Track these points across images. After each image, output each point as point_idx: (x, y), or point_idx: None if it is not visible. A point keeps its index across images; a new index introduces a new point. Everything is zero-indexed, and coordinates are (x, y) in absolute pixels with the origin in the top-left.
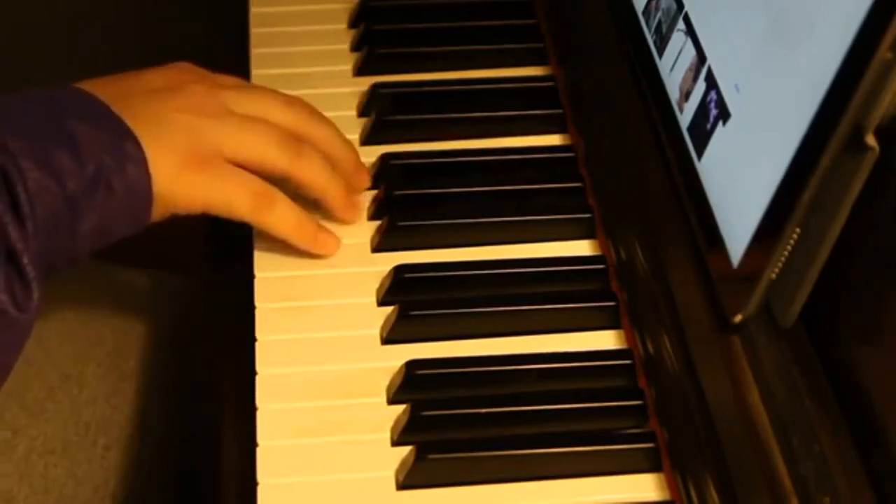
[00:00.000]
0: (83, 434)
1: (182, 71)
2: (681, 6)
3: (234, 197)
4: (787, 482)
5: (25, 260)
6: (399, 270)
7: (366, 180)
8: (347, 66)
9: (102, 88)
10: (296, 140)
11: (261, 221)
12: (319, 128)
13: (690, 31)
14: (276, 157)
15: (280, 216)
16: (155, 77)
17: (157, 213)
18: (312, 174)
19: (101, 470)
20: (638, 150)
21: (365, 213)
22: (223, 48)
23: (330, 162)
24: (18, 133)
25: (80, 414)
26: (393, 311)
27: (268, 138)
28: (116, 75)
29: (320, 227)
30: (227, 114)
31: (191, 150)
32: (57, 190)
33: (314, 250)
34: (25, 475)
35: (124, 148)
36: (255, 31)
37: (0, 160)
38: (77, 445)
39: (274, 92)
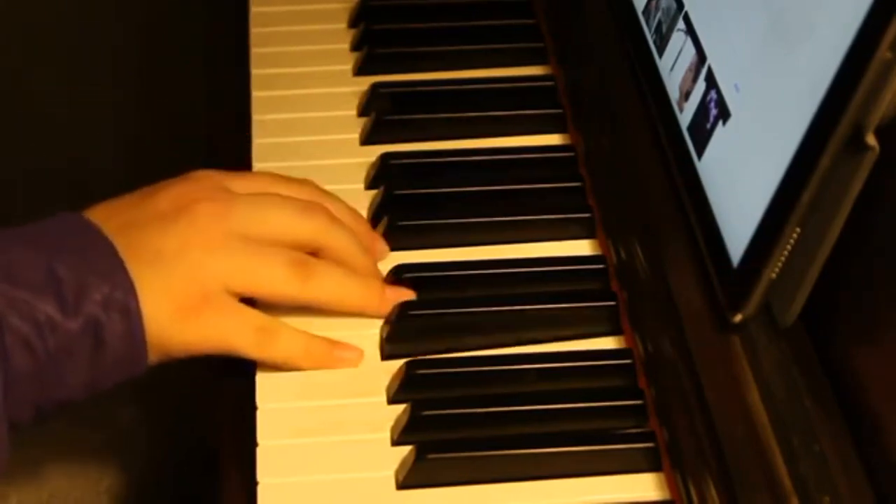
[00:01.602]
0: (77, 429)
1: (194, 184)
2: (681, 6)
3: (233, 337)
4: (786, 482)
5: None
6: (399, 270)
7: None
8: (347, 66)
9: (111, 220)
10: (304, 260)
11: (267, 357)
12: (338, 237)
13: (690, 31)
14: (282, 284)
15: (284, 348)
16: (164, 197)
17: (153, 360)
18: (326, 294)
19: (95, 467)
20: (638, 150)
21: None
22: (223, 48)
23: (348, 268)
24: (5, 279)
25: (75, 409)
26: (393, 311)
27: (274, 265)
28: (131, 197)
29: (335, 344)
30: (235, 241)
31: (189, 290)
32: (38, 344)
33: (332, 368)
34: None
35: (116, 297)
36: (255, 30)
37: None
38: (70, 441)
39: (291, 200)
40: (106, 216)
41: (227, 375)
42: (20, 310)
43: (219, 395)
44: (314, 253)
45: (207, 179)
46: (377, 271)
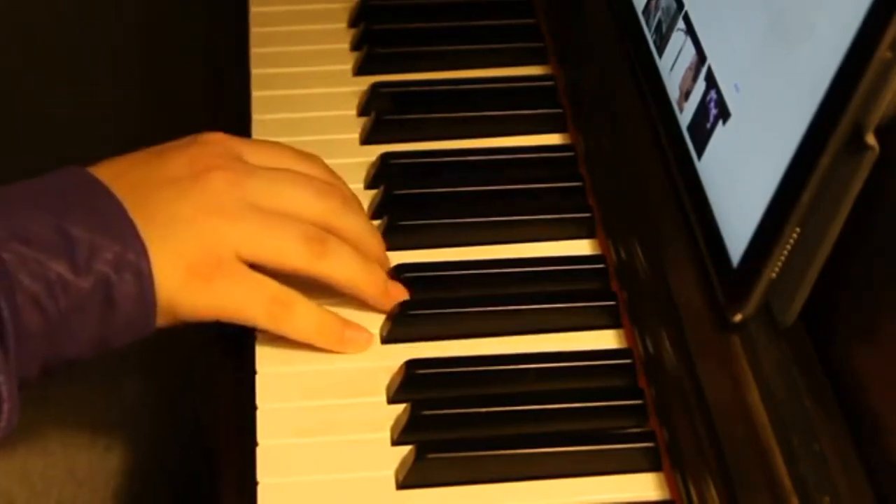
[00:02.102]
0: (82, 434)
1: (209, 150)
2: (681, 6)
3: (246, 305)
4: (786, 482)
5: (1, 378)
6: (399, 270)
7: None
8: (347, 66)
9: (120, 178)
10: (320, 236)
11: (279, 328)
12: (351, 220)
13: (690, 31)
14: (297, 257)
15: (299, 321)
16: (178, 159)
17: (162, 321)
18: (339, 272)
19: (101, 471)
20: (638, 150)
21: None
22: (223, 48)
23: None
24: (17, 238)
25: (79, 414)
26: (393, 311)
27: (290, 237)
28: (139, 156)
29: (347, 324)
30: (249, 210)
31: (202, 256)
32: (49, 303)
33: (341, 351)
34: (25, 475)
35: (127, 258)
36: (255, 30)
37: None
38: (76, 446)
39: (307, 179)
40: (115, 174)
41: (228, 372)
42: (31, 269)
43: (219, 395)
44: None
45: (220, 144)
46: (385, 260)
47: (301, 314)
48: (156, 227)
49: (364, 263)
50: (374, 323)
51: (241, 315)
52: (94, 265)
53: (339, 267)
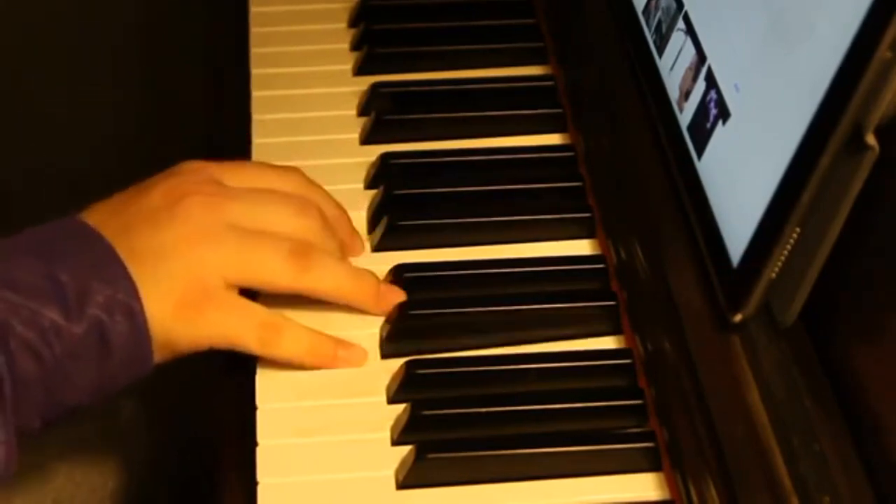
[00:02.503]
0: (80, 434)
1: (185, 178)
2: (681, 6)
3: (237, 333)
4: (786, 482)
5: None
6: (399, 270)
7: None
8: (347, 66)
9: (108, 220)
10: (303, 250)
11: (271, 354)
12: (330, 239)
13: (690, 31)
14: (282, 274)
15: (289, 345)
16: (155, 192)
17: (160, 357)
18: (326, 283)
19: (99, 472)
20: (638, 150)
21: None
22: (223, 48)
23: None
24: (8, 287)
25: (78, 415)
26: (393, 311)
27: (273, 255)
28: (124, 196)
29: (339, 343)
30: (229, 232)
31: (190, 287)
32: (44, 350)
33: (336, 368)
34: (22, 476)
35: (119, 299)
36: (255, 30)
37: None
38: (74, 446)
39: (286, 197)
40: (103, 218)
41: (228, 372)
42: (24, 317)
43: (219, 395)
44: None
45: (197, 172)
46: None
47: (291, 338)
48: (142, 265)
49: (351, 270)
50: (375, 323)
51: (233, 342)
52: (86, 309)
53: (326, 278)
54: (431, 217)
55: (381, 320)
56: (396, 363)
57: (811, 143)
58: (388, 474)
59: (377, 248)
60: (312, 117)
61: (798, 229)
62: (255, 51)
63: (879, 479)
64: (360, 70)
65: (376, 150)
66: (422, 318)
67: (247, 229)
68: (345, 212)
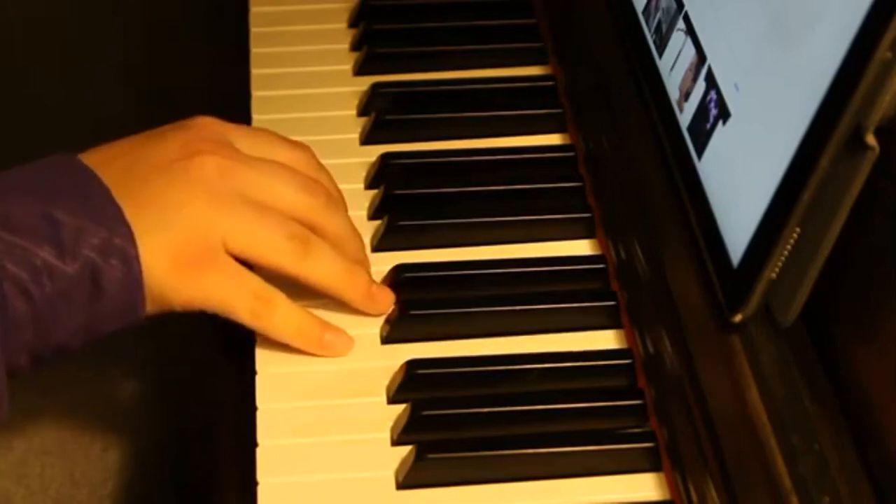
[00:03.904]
0: (80, 435)
1: (200, 133)
2: (681, 6)
3: (231, 300)
4: (786, 481)
5: None
6: (399, 270)
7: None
8: (347, 66)
9: (109, 164)
10: (304, 236)
11: (261, 326)
12: (334, 219)
13: (690, 31)
14: (280, 255)
15: (279, 321)
16: (169, 144)
17: (152, 308)
18: (321, 274)
19: (98, 471)
20: (638, 150)
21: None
22: (223, 48)
23: (340, 251)
24: (3, 226)
25: (76, 415)
26: (393, 311)
27: (276, 234)
28: (129, 142)
29: (327, 327)
30: (238, 201)
31: (191, 244)
32: (36, 290)
33: (321, 354)
34: (22, 476)
35: (114, 244)
36: (255, 30)
37: None
38: (74, 446)
39: (294, 173)
40: (103, 159)
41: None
42: (17, 256)
43: (219, 395)
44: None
45: (211, 129)
46: (366, 261)
47: (282, 314)
48: (144, 213)
49: (346, 266)
50: (375, 323)
51: (225, 308)
52: (81, 250)
53: (321, 269)
54: (431, 217)
55: (381, 321)
56: (396, 363)
57: (811, 143)
58: (388, 474)
59: (377, 249)
60: (312, 117)
61: (798, 229)
62: (255, 51)
63: (879, 479)
64: (360, 70)
65: (376, 151)
66: (422, 318)
67: (255, 201)
68: (360, 238)
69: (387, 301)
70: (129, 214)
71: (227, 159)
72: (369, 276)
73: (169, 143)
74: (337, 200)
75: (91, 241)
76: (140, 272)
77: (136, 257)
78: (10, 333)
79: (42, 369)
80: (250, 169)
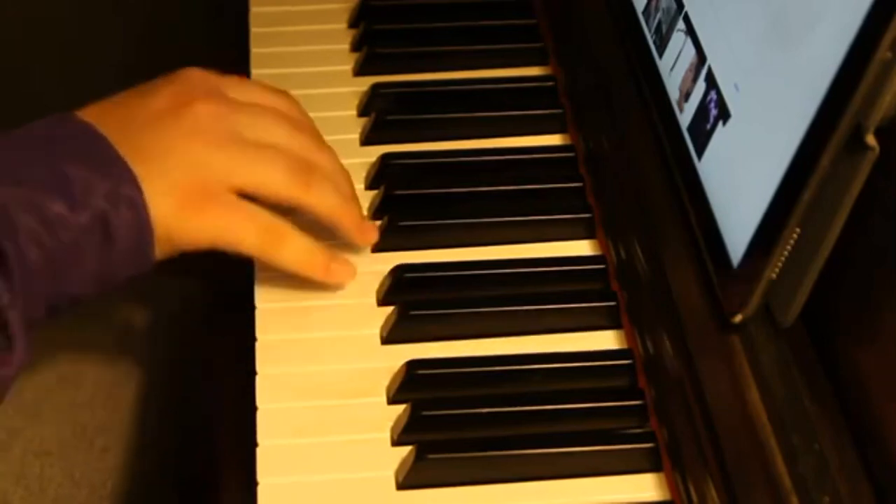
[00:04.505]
0: (80, 435)
1: (190, 83)
2: (681, 6)
3: (240, 233)
4: (786, 481)
5: (10, 315)
6: (399, 270)
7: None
8: (347, 66)
9: (106, 118)
10: (305, 168)
11: (270, 257)
12: (325, 156)
13: (690, 31)
14: (286, 186)
15: (290, 251)
16: (161, 95)
17: (161, 252)
18: (324, 203)
19: (98, 471)
20: (638, 150)
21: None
22: (223, 48)
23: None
24: (13, 181)
25: (76, 415)
26: (393, 311)
27: (277, 167)
28: (122, 97)
29: (333, 256)
30: (235, 141)
31: (195, 185)
32: (49, 241)
33: (327, 281)
34: (21, 476)
35: (122, 191)
36: (255, 30)
37: None
38: (74, 447)
39: (283, 114)
40: (100, 114)
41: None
42: (30, 209)
43: (219, 396)
44: None
45: (202, 80)
46: (355, 195)
47: (292, 244)
48: (146, 161)
49: (343, 197)
50: (375, 324)
51: (234, 243)
52: (90, 200)
53: (323, 198)
54: (431, 217)
55: (381, 320)
56: (396, 363)
57: (811, 143)
58: (388, 475)
59: (377, 249)
60: (313, 118)
61: (798, 229)
62: (256, 51)
63: (879, 479)
64: (360, 70)
65: (376, 151)
66: (422, 319)
67: (250, 140)
68: (347, 173)
69: (373, 233)
70: (131, 163)
71: (218, 105)
72: (358, 212)
73: (161, 94)
74: (322, 138)
75: (99, 191)
76: (148, 217)
77: (143, 203)
78: (28, 283)
79: (43, 369)
80: (242, 113)
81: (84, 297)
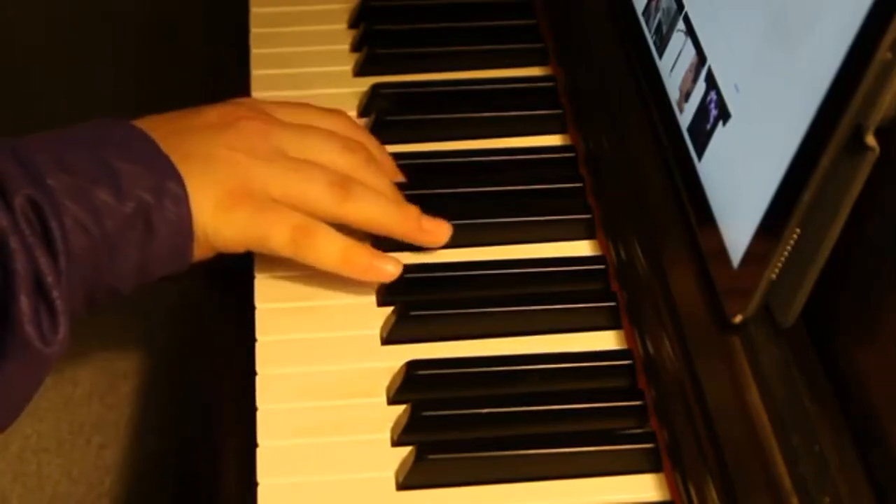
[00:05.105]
0: (78, 433)
1: (239, 107)
2: (681, 6)
3: (271, 232)
4: (786, 482)
5: (55, 294)
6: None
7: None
8: (347, 67)
9: (158, 127)
10: (344, 182)
11: (303, 256)
12: (369, 173)
13: (690, 32)
14: (322, 198)
15: (322, 249)
16: (210, 113)
17: (200, 251)
18: (365, 212)
19: (95, 469)
20: (638, 150)
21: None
22: (223, 48)
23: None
24: (61, 169)
25: (74, 412)
26: (393, 312)
27: (315, 180)
28: (172, 113)
29: (375, 254)
30: (277, 155)
31: (234, 187)
32: (94, 227)
33: (370, 280)
34: (19, 473)
35: (166, 186)
36: (255, 31)
37: (36, 196)
38: (71, 444)
39: (334, 135)
40: (150, 125)
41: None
42: (77, 195)
43: (219, 396)
44: None
45: (252, 103)
46: (406, 204)
47: (325, 242)
48: (190, 164)
49: (392, 203)
50: (375, 324)
51: (267, 242)
52: (135, 192)
53: (366, 207)
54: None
55: (381, 320)
56: (396, 364)
57: (811, 143)
58: (389, 475)
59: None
60: None
61: (798, 230)
62: (256, 51)
63: (879, 479)
64: (360, 71)
65: None
66: (422, 319)
67: (293, 157)
68: (389, 156)
69: (442, 230)
70: (176, 163)
71: (265, 123)
72: (418, 209)
73: (210, 112)
74: (378, 161)
75: (145, 183)
76: (189, 212)
77: (186, 198)
78: (72, 268)
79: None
80: (288, 131)
81: (120, 291)
